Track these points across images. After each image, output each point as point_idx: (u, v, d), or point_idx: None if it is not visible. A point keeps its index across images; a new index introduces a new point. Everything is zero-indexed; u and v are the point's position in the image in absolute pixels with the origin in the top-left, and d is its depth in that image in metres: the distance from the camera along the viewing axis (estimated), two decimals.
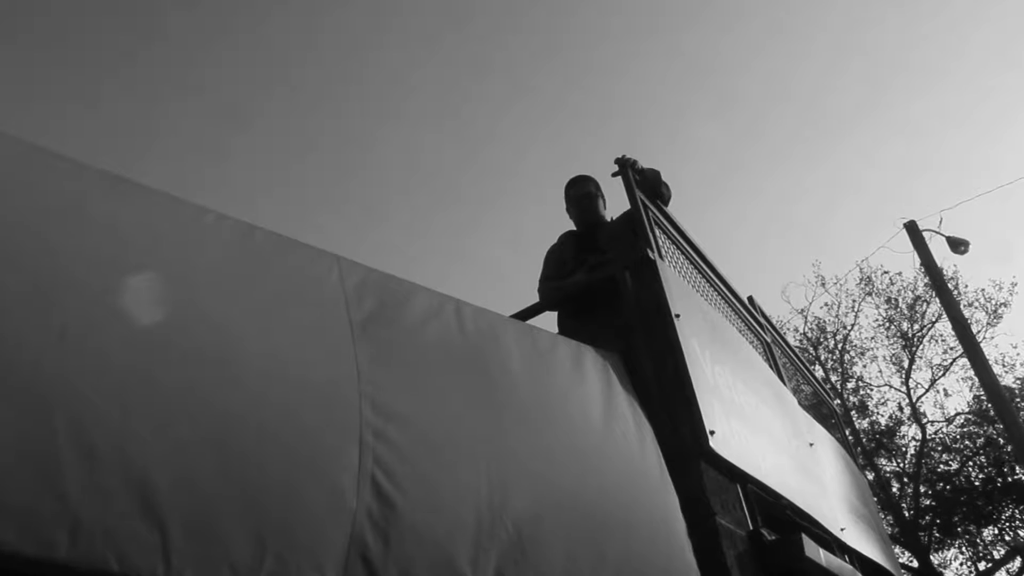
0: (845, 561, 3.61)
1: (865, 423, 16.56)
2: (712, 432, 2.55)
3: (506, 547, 1.73)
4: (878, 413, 16.79)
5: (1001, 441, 14.33)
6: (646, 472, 2.36)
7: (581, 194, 3.91)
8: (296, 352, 1.58)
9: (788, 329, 17.31)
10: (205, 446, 1.30)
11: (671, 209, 3.71)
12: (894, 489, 15.69)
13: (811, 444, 4.05)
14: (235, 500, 1.30)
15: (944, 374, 16.46)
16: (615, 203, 3.98)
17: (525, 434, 2.03)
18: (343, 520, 1.45)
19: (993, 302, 16.44)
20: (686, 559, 2.24)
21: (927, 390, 16.59)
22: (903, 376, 16.65)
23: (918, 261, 11.19)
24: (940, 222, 11.92)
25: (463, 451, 1.78)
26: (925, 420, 16.13)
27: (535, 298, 3.65)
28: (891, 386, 17.02)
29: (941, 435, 16.06)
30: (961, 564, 15.38)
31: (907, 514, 15.01)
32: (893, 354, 17.03)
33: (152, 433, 1.24)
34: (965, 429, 15.81)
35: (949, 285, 12.58)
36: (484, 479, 1.77)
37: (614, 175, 3.44)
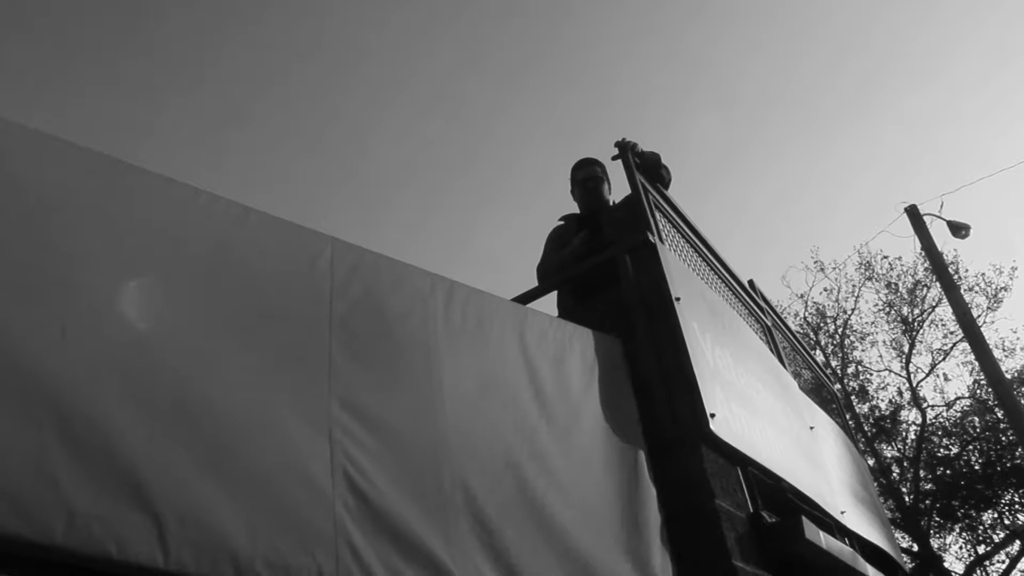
0: (845, 544, 3.61)
1: (865, 408, 16.60)
2: (713, 415, 2.55)
3: (478, 545, 1.76)
4: (878, 398, 16.84)
5: (1001, 425, 14.36)
6: (613, 470, 2.34)
7: (587, 177, 3.92)
8: (273, 348, 1.59)
9: (788, 314, 17.33)
10: (183, 438, 1.33)
11: (671, 193, 3.69)
12: (894, 474, 15.74)
13: (812, 428, 4.04)
14: (219, 490, 1.32)
15: (944, 358, 16.50)
16: (616, 186, 3.98)
17: (489, 435, 2.02)
18: (325, 510, 1.48)
19: (993, 286, 16.45)
20: (657, 551, 2.27)
21: (927, 375, 16.64)
22: (903, 361, 16.69)
23: (919, 245, 11.17)
24: (941, 206, 11.89)
25: (426, 450, 1.80)
26: (925, 404, 16.18)
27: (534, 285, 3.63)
28: (891, 371, 17.07)
29: (941, 419, 16.10)
30: (960, 548, 15.47)
31: (907, 499, 15.06)
32: (893, 339, 17.07)
33: (133, 426, 1.26)
34: (964, 414, 15.83)
35: (949, 270, 12.56)
36: (447, 478, 1.79)
37: (614, 158, 3.43)
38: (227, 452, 1.37)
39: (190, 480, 1.29)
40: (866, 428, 15.91)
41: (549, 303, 3.64)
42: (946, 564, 14.97)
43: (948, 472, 15.22)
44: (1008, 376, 12.79)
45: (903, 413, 16.43)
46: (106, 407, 1.24)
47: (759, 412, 3.16)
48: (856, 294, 17.69)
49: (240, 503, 1.34)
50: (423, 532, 1.64)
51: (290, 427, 1.52)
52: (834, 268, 17.96)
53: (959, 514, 15.08)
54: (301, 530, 1.42)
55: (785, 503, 3.09)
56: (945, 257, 12.28)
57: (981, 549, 15.23)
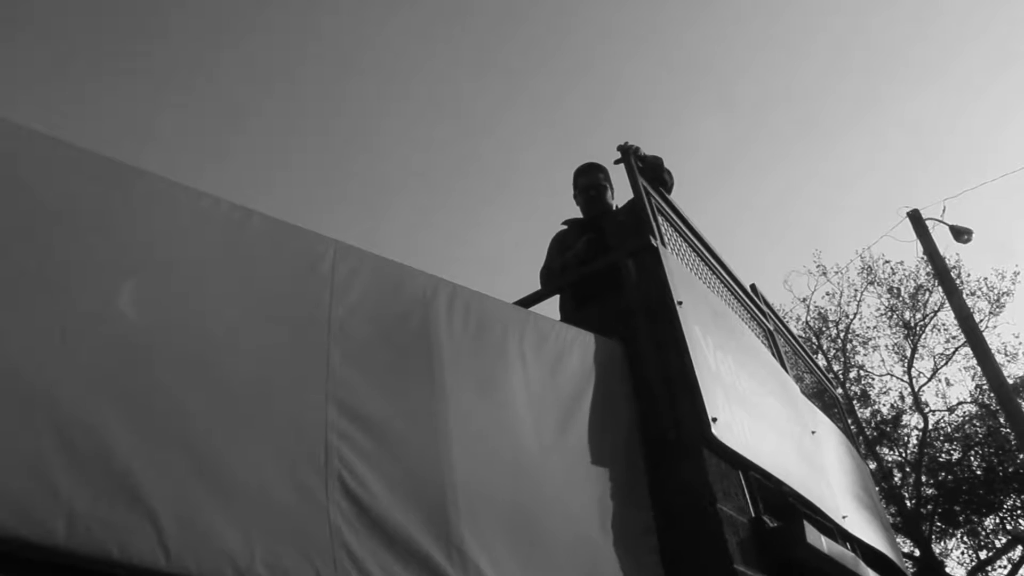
0: (847, 548, 3.60)
1: (867, 412, 16.56)
2: (714, 419, 2.55)
3: (478, 550, 1.76)
4: (880, 402, 16.80)
5: (1003, 430, 14.32)
6: (609, 474, 2.35)
7: (589, 183, 3.91)
8: (270, 352, 1.59)
9: (791, 318, 17.30)
10: (179, 442, 1.33)
11: (673, 196, 3.69)
12: (896, 479, 15.70)
13: (813, 432, 4.04)
14: (214, 495, 1.33)
15: (946, 363, 16.46)
16: (618, 190, 3.98)
17: (490, 439, 2.02)
18: (319, 516, 1.48)
19: (995, 291, 16.42)
20: (648, 555, 2.26)
21: (929, 379, 16.60)
22: (905, 365, 16.66)
23: (921, 250, 11.15)
24: (943, 211, 11.88)
25: (426, 454, 1.80)
26: (927, 409, 16.14)
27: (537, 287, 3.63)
28: (893, 375, 17.04)
29: (943, 424, 16.07)
30: (962, 553, 15.42)
31: (909, 503, 15.03)
32: (895, 343, 17.04)
33: (130, 430, 1.26)
34: (966, 418, 15.79)
35: (951, 274, 12.53)
36: (448, 483, 1.79)
37: (616, 162, 3.43)
38: (222, 457, 1.38)
39: (186, 484, 1.30)
40: (868, 432, 15.88)
41: (552, 307, 3.64)
42: (948, 569, 14.94)
43: (950, 477, 15.17)
44: (1010, 381, 12.74)
45: (905, 418, 16.41)
46: (103, 412, 1.24)
47: (761, 416, 3.15)
48: (858, 298, 17.69)
49: (235, 508, 1.34)
50: (422, 537, 1.64)
51: (285, 433, 1.52)
52: (836, 272, 18.01)
53: (961, 519, 15.03)
54: (297, 535, 1.42)
55: (787, 507, 3.09)
56: (947, 262, 12.23)
57: (983, 554, 15.18)
